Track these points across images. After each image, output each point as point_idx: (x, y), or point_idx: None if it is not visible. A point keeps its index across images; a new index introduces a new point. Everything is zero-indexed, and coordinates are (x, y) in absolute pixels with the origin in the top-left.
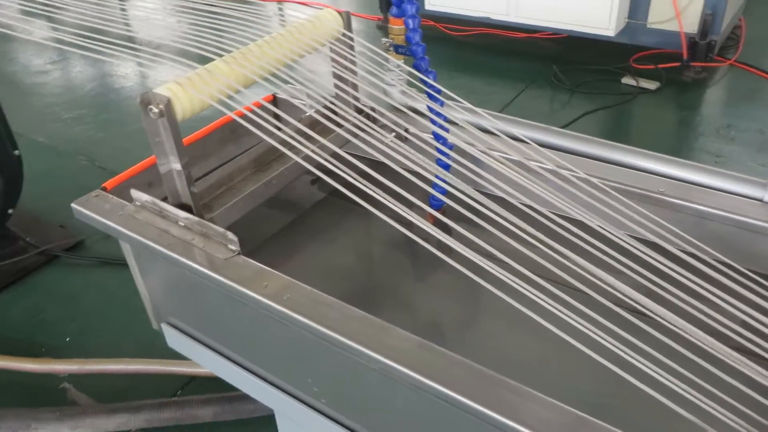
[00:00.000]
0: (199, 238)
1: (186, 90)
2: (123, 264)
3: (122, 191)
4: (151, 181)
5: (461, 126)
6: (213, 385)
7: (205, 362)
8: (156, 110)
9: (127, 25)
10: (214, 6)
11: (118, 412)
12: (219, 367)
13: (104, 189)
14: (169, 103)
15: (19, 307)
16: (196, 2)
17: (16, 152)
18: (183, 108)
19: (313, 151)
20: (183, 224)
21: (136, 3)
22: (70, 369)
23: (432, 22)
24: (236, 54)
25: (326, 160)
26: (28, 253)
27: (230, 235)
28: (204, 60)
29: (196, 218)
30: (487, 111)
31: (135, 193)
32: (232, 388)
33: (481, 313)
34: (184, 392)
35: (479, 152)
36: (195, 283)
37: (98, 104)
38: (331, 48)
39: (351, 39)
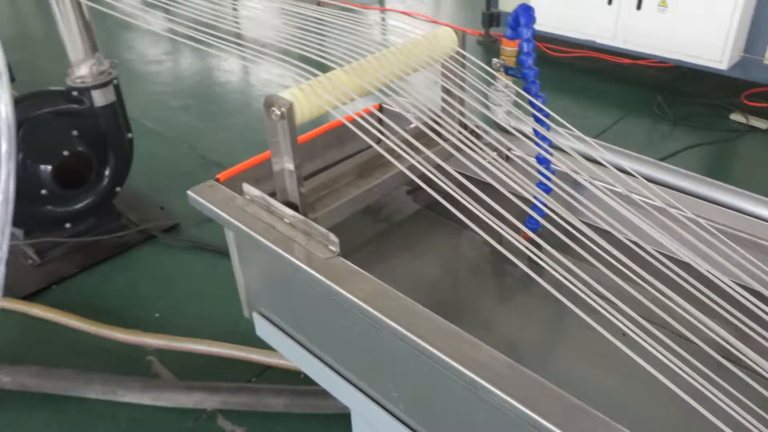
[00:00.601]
0: (302, 236)
1: (307, 96)
2: (213, 250)
3: (233, 184)
4: (259, 177)
5: (566, 152)
6: (287, 377)
7: (290, 354)
8: (278, 112)
9: (236, 22)
10: (319, 12)
11: (197, 390)
12: (303, 361)
13: (217, 180)
14: (290, 107)
15: (117, 279)
16: (302, 7)
17: (129, 135)
18: (302, 112)
19: (417, 161)
20: (288, 221)
21: (246, 3)
22: (157, 343)
23: None
24: (355, 65)
25: (429, 171)
26: (129, 230)
27: (332, 236)
28: (306, 62)
29: (301, 217)
30: (595, 140)
31: (246, 188)
32: (304, 382)
33: (564, 341)
34: (258, 380)
35: (583, 180)
36: (292, 279)
37: (204, 96)
38: (442, 64)
39: (464, 57)
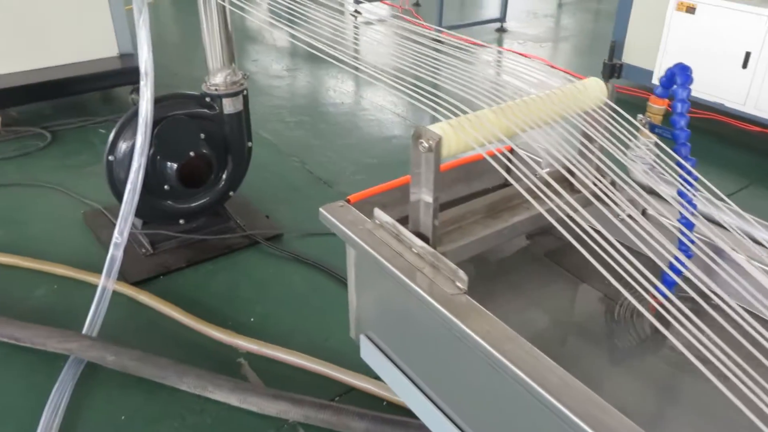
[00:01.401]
0: (429, 269)
1: (456, 132)
2: (312, 265)
3: (362, 206)
4: (386, 203)
5: (708, 218)
6: (369, 402)
7: (393, 383)
8: (426, 145)
9: (356, 43)
10: (438, 39)
11: (282, 399)
12: (405, 392)
13: (347, 201)
14: (439, 142)
15: (219, 279)
16: (419, 36)
17: (249, 144)
18: (449, 147)
19: (556, 205)
20: (416, 251)
21: (370, 27)
22: (249, 347)
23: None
24: (504, 107)
25: (568, 216)
26: (236, 234)
27: (461, 273)
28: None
29: (431, 249)
30: (751, 216)
31: (378, 213)
32: (387, 409)
33: (682, 410)
34: (340, 400)
35: (729, 250)
36: (412, 309)
37: (317, 114)
38: (586, 113)
39: (612, 110)
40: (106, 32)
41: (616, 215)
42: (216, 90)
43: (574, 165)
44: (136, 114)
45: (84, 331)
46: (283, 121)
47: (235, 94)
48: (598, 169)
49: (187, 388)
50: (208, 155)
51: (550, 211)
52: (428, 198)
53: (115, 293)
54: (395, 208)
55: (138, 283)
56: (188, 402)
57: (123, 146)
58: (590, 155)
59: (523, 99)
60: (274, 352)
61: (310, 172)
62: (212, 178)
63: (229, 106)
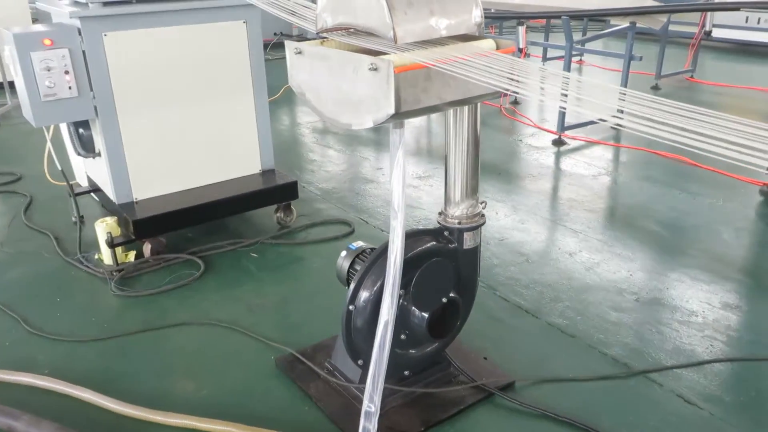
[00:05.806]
0: None
1: None
2: (565, 422)
3: None
4: None
5: None
6: None
7: None
8: None
9: None
10: None
11: None
12: None
13: None
14: None
15: None
16: None
17: (478, 278)
18: None
19: None
20: None
21: None
22: None
23: None
24: None
25: None
26: (462, 384)
27: None
28: None
29: None
30: None
31: None
32: None
33: None
34: None
35: None
36: None
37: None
38: None
39: None
40: (252, 147)
41: None
42: (458, 223)
43: None
44: (379, 258)
45: None
46: None
47: (476, 228)
48: None
49: None
50: (456, 300)
51: None
52: None
53: None
54: None
55: None
56: None
57: (364, 294)
58: None
59: None
60: None
61: (504, 299)
62: (458, 324)
63: (469, 241)
